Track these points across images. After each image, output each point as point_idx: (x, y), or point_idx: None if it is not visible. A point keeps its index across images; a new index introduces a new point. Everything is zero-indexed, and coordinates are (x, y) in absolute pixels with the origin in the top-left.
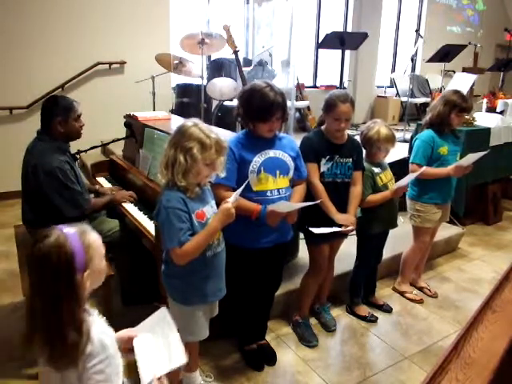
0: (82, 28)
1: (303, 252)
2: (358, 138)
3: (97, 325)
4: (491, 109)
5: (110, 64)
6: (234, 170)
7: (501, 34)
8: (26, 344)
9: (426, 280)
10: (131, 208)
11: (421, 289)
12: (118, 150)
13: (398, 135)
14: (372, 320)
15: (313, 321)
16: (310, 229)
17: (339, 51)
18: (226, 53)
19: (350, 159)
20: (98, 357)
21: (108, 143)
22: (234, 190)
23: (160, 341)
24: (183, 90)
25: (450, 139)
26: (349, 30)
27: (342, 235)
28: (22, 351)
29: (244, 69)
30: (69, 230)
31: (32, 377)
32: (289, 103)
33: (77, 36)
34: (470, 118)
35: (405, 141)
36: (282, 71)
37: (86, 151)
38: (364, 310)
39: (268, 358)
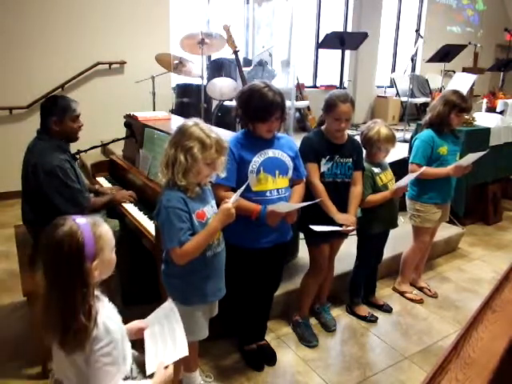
0: (82, 28)
1: (303, 252)
2: (358, 138)
3: (103, 310)
4: (491, 109)
5: (110, 64)
6: (234, 170)
7: (501, 34)
8: (42, 328)
9: (426, 280)
10: (131, 208)
11: (421, 289)
12: (118, 150)
13: (398, 135)
14: (372, 320)
15: (313, 321)
16: (311, 226)
17: (339, 51)
18: (226, 53)
19: (350, 159)
20: (103, 340)
21: (108, 143)
22: (234, 190)
23: (166, 332)
24: (183, 90)
25: (450, 139)
26: (349, 30)
27: (342, 235)
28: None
29: (244, 69)
30: (81, 220)
31: (32, 377)
32: (289, 103)
33: (77, 36)
34: (470, 118)
35: (405, 141)
36: (282, 71)
37: (85, 151)
38: (364, 310)
39: (268, 358)
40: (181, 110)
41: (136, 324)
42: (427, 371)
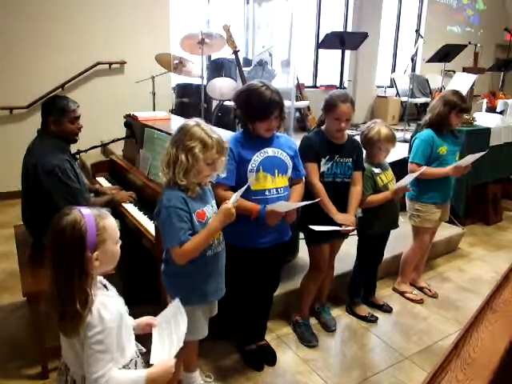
0: (82, 28)
1: (303, 252)
2: (358, 138)
3: (101, 298)
4: (491, 109)
5: (110, 64)
6: (233, 169)
7: (501, 34)
8: (50, 311)
9: (426, 280)
10: (131, 208)
11: (421, 289)
12: (118, 150)
13: (398, 135)
14: (372, 320)
15: (313, 321)
16: (311, 226)
17: (339, 51)
18: (226, 53)
19: (350, 159)
20: (96, 327)
21: (108, 143)
22: (233, 189)
23: (173, 330)
24: (183, 90)
25: (450, 139)
26: (349, 30)
27: (342, 235)
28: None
29: (244, 69)
30: (86, 211)
31: (32, 377)
32: (289, 103)
33: (77, 36)
34: (470, 118)
35: (405, 141)
36: (281, 71)
37: (86, 151)
38: (364, 310)
39: (268, 358)
40: (181, 110)
41: (145, 320)
42: (427, 371)
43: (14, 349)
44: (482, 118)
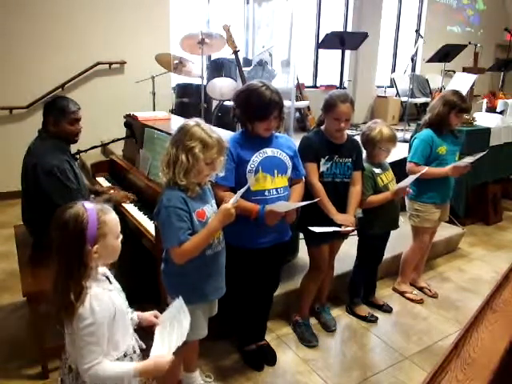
0: (82, 28)
1: (303, 252)
2: (358, 138)
3: (94, 290)
4: (491, 109)
5: (110, 64)
6: (232, 169)
7: (501, 34)
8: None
9: (426, 280)
10: (131, 208)
11: (421, 289)
12: (118, 150)
13: (398, 135)
14: (372, 320)
15: (313, 321)
16: (310, 228)
17: (339, 51)
18: (226, 53)
19: (350, 159)
20: (87, 320)
21: (108, 143)
22: (232, 189)
23: (175, 329)
24: (183, 90)
25: (449, 139)
26: (349, 30)
27: (342, 236)
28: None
29: (244, 69)
30: (89, 205)
31: (32, 377)
32: (289, 103)
33: (77, 36)
34: (470, 118)
35: (405, 141)
36: (281, 71)
37: (86, 151)
38: (364, 310)
39: (268, 358)
40: (181, 109)
41: (148, 316)
42: (427, 371)
43: (14, 349)
44: (482, 118)
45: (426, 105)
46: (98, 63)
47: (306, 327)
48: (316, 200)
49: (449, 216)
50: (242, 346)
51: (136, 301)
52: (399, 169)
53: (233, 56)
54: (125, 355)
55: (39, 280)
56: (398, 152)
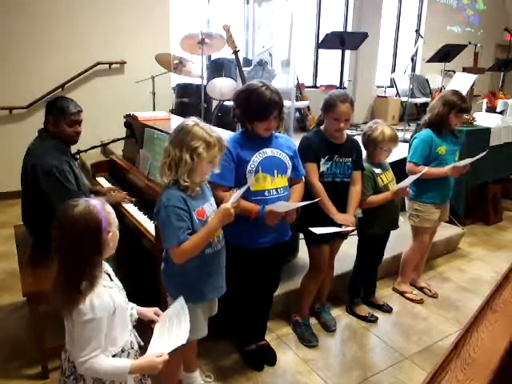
0: (82, 28)
1: (303, 252)
2: (358, 138)
3: (96, 288)
4: (491, 109)
5: (110, 64)
6: (232, 169)
7: (501, 34)
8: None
9: (426, 280)
10: (131, 208)
11: (421, 289)
12: (118, 150)
13: (398, 135)
14: (372, 320)
15: (313, 321)
16: (311, 229)
17: (339, 51)
18: (226, 53)
19: (350, 159)
20: (87, 315)
21: (108, 143)
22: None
23: (174, 327)
24: (183, 90)
25: (449, 139)
26: (349, 30)
27: (342, 235)
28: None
29: (244, 69)
30: (93, 200)
31: (32, 377)
32: (289, 103)
33: (77, 36)
34: (470, 118)
35: (405, 141)
36: (282, 71)
37: (86, 151)
38: (364, 310)
39: (268, 358)
40: (181, 109)
41: (149, 313)
42: (427, 371)
43: (14, 349)
44: (482, 118)
45: (425, 105)
46: (98, 63)
47: (306, 327)
48: (316, 200)
49: (449, 216)
50: (241, 346)
51: (136, 301)
52: (399, 169)
53: (233, 56)
54: (122, 351)
55: (39, 280)
56: (398, 152)
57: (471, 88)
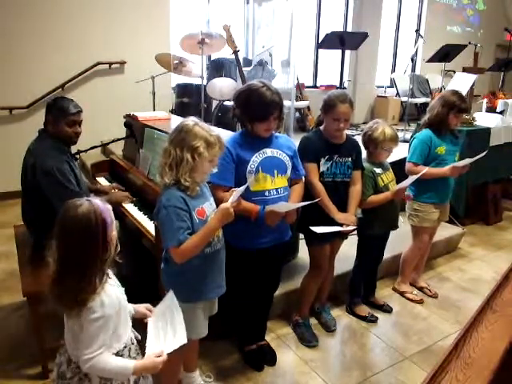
0: (82, 28)
1: (303, 252)
2: (358, 138)
3: (104, 286)
4: (491, 109)
5: (110, 64)
6: (232, 170)
7: (501, 34)
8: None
9: (426, 280)
10: (131, 208)
11: (421, 289)
12: (118, 150)
13: (398, 135)
14: (372, 320)
15: (313, 321)
16: (312, 228)
17: (339, 51)
18: (226, 53)
19: (350, 158)
20: (97, 313)
21: (108, 143)
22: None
23: (168, 322)
24: (183, 90)
25: (449, 139)
26: (349, 30)
27: (343, 235)
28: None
29: (244, 69)
30: (94, 200)
31: (32, 377)
32: (289, 103)
33: (77, 36)
34: (470, 118)
35: (405, 141)
36: (281, 71)
37: (86, 151)
38: (364, 310)
39: (268, 358)
40: (181, 109)
41: (142, 309)
42: (427, 371)
43: (13, 349)
44: (482, 118)
45: (426, 105)
46: (98, 63)
47: (306, 327)
48: (317, 200)
49: (449, 216)
50: (242, 346)
51: (136, 300)
52: (399, 169)
53: (233, 56)
54: (124, 346)
55: (39, 280)
56: (398, 152)
57: (471, 88)
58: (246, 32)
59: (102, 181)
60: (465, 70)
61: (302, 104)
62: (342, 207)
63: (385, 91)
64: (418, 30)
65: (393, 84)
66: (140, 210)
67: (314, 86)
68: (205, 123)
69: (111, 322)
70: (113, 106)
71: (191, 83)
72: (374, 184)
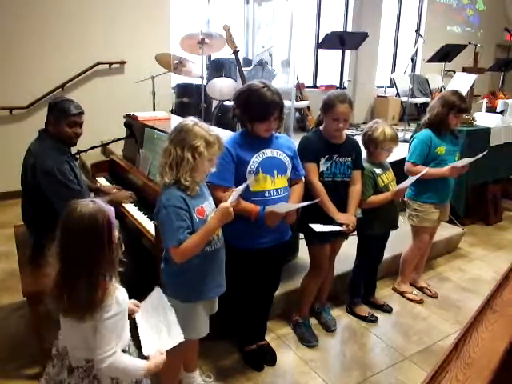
0: (82, 28)
1: (303, 252)
2: (358, 138)
3: (115, 284)
4: (491, 109)
5: (110, 64)
6: (232, 170)
7: (501, 34)
8: (53, 300)
9: (426, 280)
10: (131, 208)
11: (421, 289)
12: (118, 150)
13: (398, 135)
14: (372, 320)
15: (313, 321)
16: (311, 225)
17: (339, 51)
18: (226, 53)
19: (349, 158)
20: (113, 310)
21: (108, 143)
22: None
23: (160, 319)
24: (183, 90)
25: (449, 139)
26: (349, 30)
27: (343, 235)
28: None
29: (244, 69)
30: (97, 200)
31: (32, 377)
32: (289, 103)
33: (77, 36)
34: (470, 118)
35: (405, 141)
36: (281, 71)
37: (86, 151)
38: (364, 310)
39: (268, 358)
40: (181, 109)
41: (130, 305)
42: (427, 371)
43: (13, 349)
44: (482, 118)
45: (426, 105)
46: (98, 63)
47: (306, 327)
48: (317, 200)
49: (449, 216)
50: (242, 346)
51: (136, 300)
52: (399, 169)
53: (233, 56)
54: (127, 344)
55: (39, 280)
56: (398, 152)
57: (471, 88)
58: (245, 32)
59: (102, 181)
60: (465, 70)
61: (302, 104)
62: (342, 207)
63: (385, 91)
64: (417, 30)
65: (393, 84)
66: (140, 210)
67: (314, 86)
68: (204, 123)
69: (124, 318)
70: (113, 106)
71: (191, 83)
72: (373, 184)
